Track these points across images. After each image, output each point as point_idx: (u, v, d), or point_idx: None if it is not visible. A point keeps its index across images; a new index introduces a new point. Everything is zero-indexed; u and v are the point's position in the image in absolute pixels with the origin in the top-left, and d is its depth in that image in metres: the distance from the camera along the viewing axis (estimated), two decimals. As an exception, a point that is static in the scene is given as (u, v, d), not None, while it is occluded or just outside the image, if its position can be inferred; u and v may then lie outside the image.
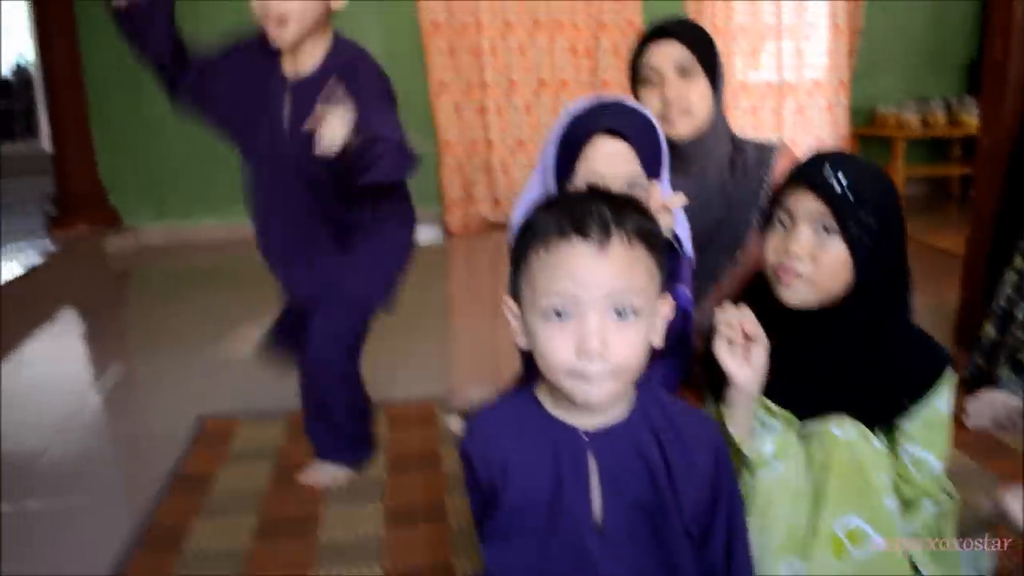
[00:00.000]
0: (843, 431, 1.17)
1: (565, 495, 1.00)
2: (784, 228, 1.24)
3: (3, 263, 3.86)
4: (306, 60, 1.80)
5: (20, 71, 10.54)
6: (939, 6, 5.48)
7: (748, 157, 1.78)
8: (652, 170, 1.37)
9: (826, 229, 1.21)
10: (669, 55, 1.71)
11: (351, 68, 1.78)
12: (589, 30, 4.98)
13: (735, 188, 1.77)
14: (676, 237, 1.36)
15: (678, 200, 1.37)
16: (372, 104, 1.70)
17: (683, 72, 1.71)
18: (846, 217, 1.19)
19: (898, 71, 5.53)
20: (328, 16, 1.80)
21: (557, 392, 1.00)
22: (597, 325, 0.92)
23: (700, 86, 1.72)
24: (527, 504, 1.01)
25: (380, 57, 1.85)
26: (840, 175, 1.20)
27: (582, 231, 0.92)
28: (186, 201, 4.92)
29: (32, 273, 3.76)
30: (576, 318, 0.93)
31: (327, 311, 1.85)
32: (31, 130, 9.88)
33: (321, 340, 1.84)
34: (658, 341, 1.00)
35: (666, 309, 1.00)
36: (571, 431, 1.01)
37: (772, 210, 1.26)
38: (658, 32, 1.75)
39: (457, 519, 1.76)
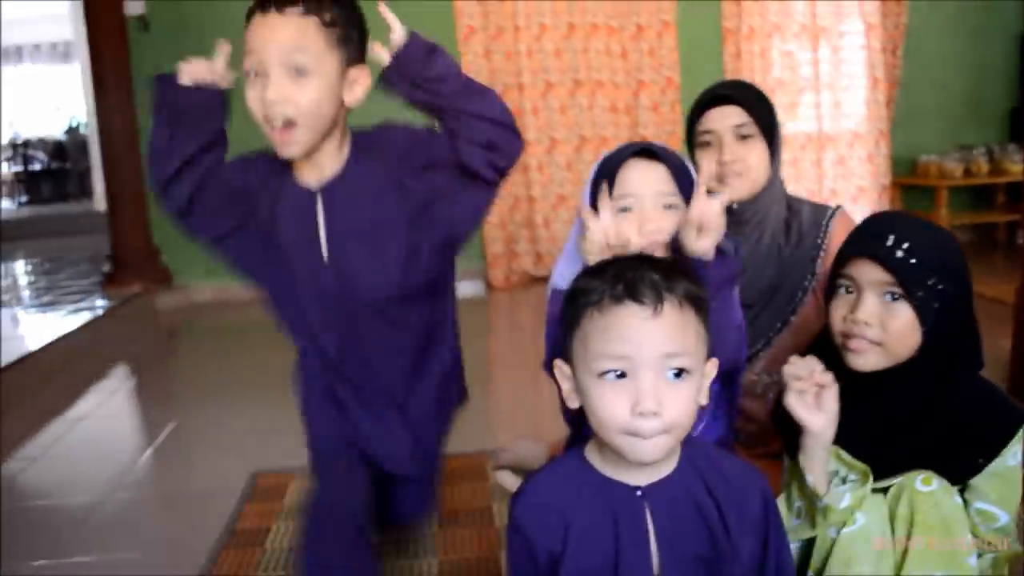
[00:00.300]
0: (928, 486, 1.16)
1: (626, 553, 1.01)
2: (848, 294, 1.24)
3: (60, 319, 3.98)
4: (328, 162, 1.44)
5: (74, 132, 10.92)
6: (978, 54, 5.48)
7: (803, 220, 1.76)
8: (687, 194, 1.36)
9: (892, 296, 1.21)
10: (727, 118, 1.71)
11: (388, 141, 1.47)
12: (628, 88, 5.06)
13: (790, 251, 1.75)
14: (727, 241, 1.35)
15: (717, 204, 1.30)
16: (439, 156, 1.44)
17: (741, 136, 1.71)
18: (911, 284, 1.19)
19: (938, 120, 5.51)
20: (344, 113, 1.43)
21: (608, 451, 1.02)
22: (652, 384, 0.96)
23: (758, 149, 1.72)
24: (591, 569, 1.02)
25: None
26: (903, 242, 1.20)
27: (635, 296, 0.96)
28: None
29: (87, 329, 3.86)
30: (631, 378, 0.96)
31: (426, 479, 1.61)
32: (85, 191, 10.20)
33: (419, 505, 1.66)
34: (704, 400, 1.03)
35: (712, 369, 1.03)
36: (625, 488, 1.03)
37: (835, 277, 1.27)
38: (716, 96, 1.74)
39: (510, 575, 1.75)
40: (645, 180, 1.36)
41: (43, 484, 2.46)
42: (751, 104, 1.73)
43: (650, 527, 1.02)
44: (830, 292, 1.28)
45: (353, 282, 1.43)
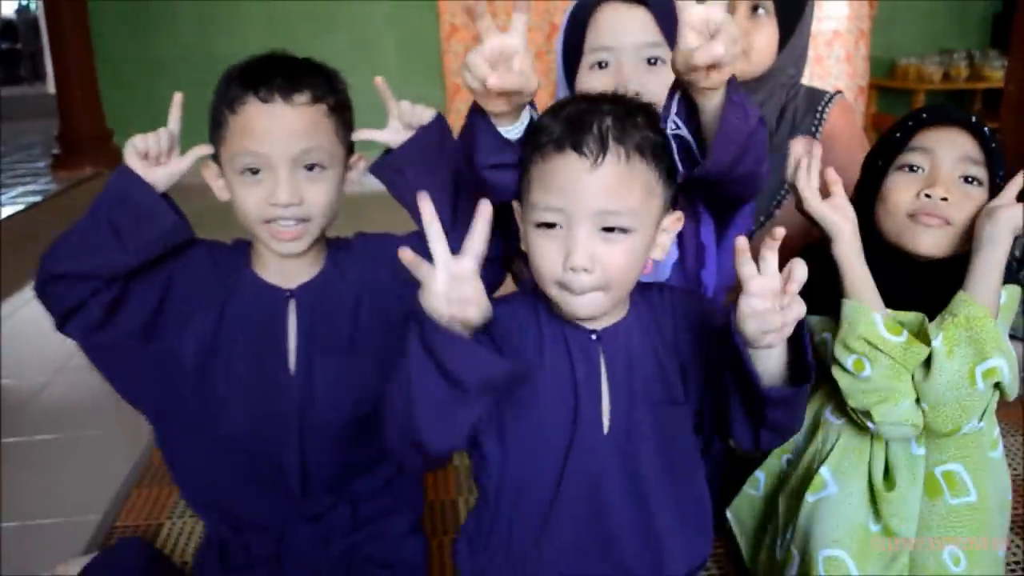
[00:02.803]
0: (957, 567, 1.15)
1: (581, 399, 0.99)
2: (913, 172, 1.16)
3: (4, 202, 3.83)
4: (308, 263, 1.22)
5: (24, 12, 10.42)
6: (965, -45, 5.32)
7: (798, 105, 1.61)
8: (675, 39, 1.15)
9: (966, 179, 1.15)
10: None
11: (366, 248, 1.27)
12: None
13: (780, 141, 1.58)
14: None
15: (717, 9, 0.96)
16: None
17: (754, 9, 1.52)
18: (996, 163, 1.13)
19: (920, 22, 5.39)
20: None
21: None
22: (585, 239, 0.91)
23: (767, 30, 1.53)
24: (553, 411, 0.99)
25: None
26: (983, 124, 1.15)
27: (577, 145, 0.91)
28: (191, 142, 4.87)
29: (33, 211, 3.72)
30: (566, 230, 0.92)
31: None
32: (37, 74, 9.80)
33: None
34: (661, 255, 0.99)
35: (674, 224, 0.98)
36: (582, 332, 1.00)
37: (894, 154, 1.18)
38: None
39: None
40: (623, 28, 1.17)
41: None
42: None
43: (603, 373, 1.00)
44: (879, 174, 1.19)
45: (320, 398, 1.20)
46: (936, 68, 5.08)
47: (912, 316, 1.11)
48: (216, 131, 1.15)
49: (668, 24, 1.12)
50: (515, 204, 1.00)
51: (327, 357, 1.20)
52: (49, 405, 2.12)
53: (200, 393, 1.18)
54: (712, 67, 0.93)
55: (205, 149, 1.17)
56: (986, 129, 1.16)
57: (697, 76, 0.95)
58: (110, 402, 1.22)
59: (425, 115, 1.22)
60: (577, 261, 0.90)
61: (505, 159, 1.00)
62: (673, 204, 0.99)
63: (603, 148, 0.90)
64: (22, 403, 2.13)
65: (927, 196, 1.14)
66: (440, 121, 1.22)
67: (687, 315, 1.03)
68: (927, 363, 1.09)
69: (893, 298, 1.14)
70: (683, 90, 1.01)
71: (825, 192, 1.17)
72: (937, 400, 1.10)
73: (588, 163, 0.90)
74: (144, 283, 1.15)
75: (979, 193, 1.15)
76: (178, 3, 4.84)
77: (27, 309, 2.91)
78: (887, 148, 1.20)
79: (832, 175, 1.16)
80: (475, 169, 1.02)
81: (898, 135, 1.19)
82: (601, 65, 1.18)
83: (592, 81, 1.18)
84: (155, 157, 1.14)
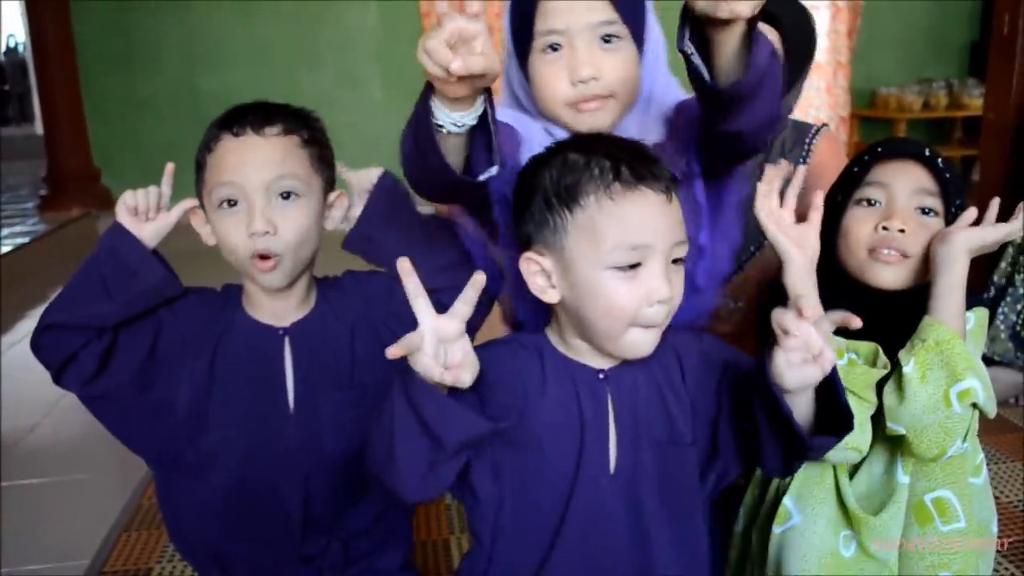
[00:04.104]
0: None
1: (589, 438, 0.97)
2: (872, 207, 1.18)
3: (-7, 243, 3.82)
4: (297, 302, 1.22)
5: (12, 53, 10.46)
6: (941, -14, 5.43)
7: (785, 138, 1.62)
8: (633, 19, 1.11)
9: (923, 210, 1.16)
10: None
11: (357, 286, 1.26)
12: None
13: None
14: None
15: None
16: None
17: None
18: (952, 193, 1.15)
19: (899, 52, 5.48)
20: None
21: (569, 333, 0.98)
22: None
23: None
24: (556, 451, 0.97)
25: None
26: (937, 155, 1.16)
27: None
28: (178, 182, 4.89)
29: (21, 252, 3.71)
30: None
31: None
32: (25, 115, 9.83)
33: None
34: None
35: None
36: (589, 371, 0.98)
37: (851, 189, 1.20)
38: None
39: None
40: (572, 7, 1.08)
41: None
42: (790, 28, 1.49)
43: (610, 413, 0.98)
44: (839, 209, 1.21)
45: (323, 434, 1.20)
46: (916, 97, 5.16)
47: (865, 345, 1.12)
48: (198, 176, 1.18)
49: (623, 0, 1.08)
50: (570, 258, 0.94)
51: (329, 392, 1.21)
52: (38, 448, 2.10)
53: (197, 439, 1.18)
54: None
55: (191, 202, 1.19)
56: (939, 160, 1.18)
57: (709, 3, 0.87)
58: (100, 444, 1.22)
59: (372, 175, 1.25)
60: (664, 293, 0.90)
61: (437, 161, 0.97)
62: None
63: (657, 177, 0.92)
64: (11, 445, 2.11)
65: (884, 229, 1.16)
66: (386, 177, 1.24)
67: (692, 354, 1.02)
68: (900, 389, 1.10)
69: (856, 330, 1.15)
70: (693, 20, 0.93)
71: (802, 218, 1.19)
72: (916, 425, 1.10)
73: (664, 197, 0.92)
74: (134, 333, 1.16)
75: (936, 223, 1.17)
76: (164, 42, 4.87)
77: (16, 351, 2.89)
78: (845, 184, 1.22)
79: (817, 200, 1.17)
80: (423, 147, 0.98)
81: (855, 170, 1.21)
82: (553, 48, 1.10)
83: (545, 65, 1.11)
84: (144, 213, 1.16)
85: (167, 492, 1.25)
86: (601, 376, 0.99)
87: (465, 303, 0.85)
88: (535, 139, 1.14)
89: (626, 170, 0.90)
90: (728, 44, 0.93)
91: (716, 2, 0.87)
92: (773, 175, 1.19)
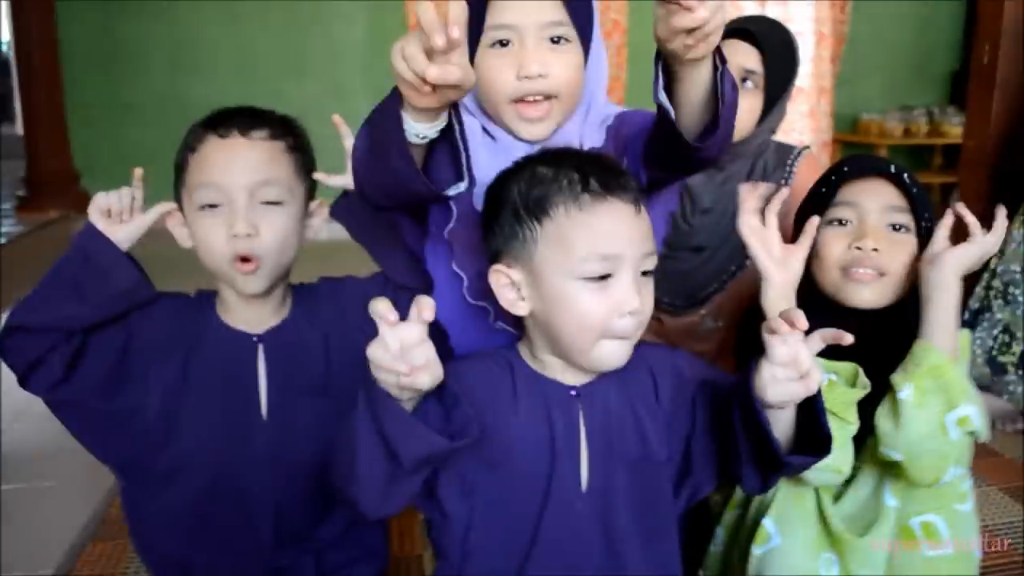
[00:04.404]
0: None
1: (560, 457, 0.96)
2: (843, 227, 1.18)
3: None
4: (273, 309, 1.21)
5: (-5, 53, 10.36)
6: (924, 15, 5.51)
7: (767, 160, 1.62)
8: (581, 23, 1.11)
9: (894, 227, 1.17)
10: (737, 55, 1.50)
11: (334, 292, 1.26)
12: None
13: None
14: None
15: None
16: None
17: (743, 80, 1.51)
18: (921, 208, 1.15)
19: (882, 79, 5.55)
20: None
21: (540, 348, 0.97)
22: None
23: (752, 103, 1.52)
24: (527, 470, 0.96)
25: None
26: (903, 170, 1.17)
27: None
28: (159, 186, 4.85)
29: (-3, 254, 3.67)
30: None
31: None
32: (7, 115, 9.72)
33: None
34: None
35: None
36: (560, 387, 0.98)
37: (823, 209, 1.20)
38: (734, 29, 1.52)
39: None
40: (524, 5, 1.08)
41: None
42: (770, 48, 1.51)
43: (582, 431, 0.97)
44: (822, 225, 1.21)
45: (295, 441, 1.18)
46: (897, 124, 5.22)
47: (844, 365, 1.12)
48: (178, 177, 1.17)
49: (574, 2, 1.09)
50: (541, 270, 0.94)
51: (302, 399, 1.19)
52: (6, 453, 2.06)
53: (166, 446, 1.16)
54: (696, 34, 0.85)
55: (168, 206, 1.17)
56: (906, 175, 1.18)
57: (679, 44, 0.87)
58: (67, 452, 1.19)
59: None
60: (634, 305, 0.91)
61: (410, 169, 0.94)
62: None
63: (623, 186, 0.94)
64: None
65: (858, 248, 1.16)
66: None
67: (666, 370, 1.02)
68: (895, 415, 1.10)
69: (835, 349, 1.15)
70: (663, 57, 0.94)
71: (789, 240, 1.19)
72: (912, 451, 1.10)
73: (632, 210, 0.93)
74: (103, 338, 1.14)
75: (908, 239, 1.17)
76: (149, 46, 4.84)
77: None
78: (815, 204, 1.23)
79: (810, 225, 1.18)
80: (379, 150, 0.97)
81: (823, 190, 1.22)
82: (503, 43, 1.10)
83: (493, 59, 1.11)
84: (118, 214, 1.14)
85: (133, 501, 1.22)
86: (573, 393, 0.98)
87: (423, 314, 0.81)
88: (473, 137, 1.12)
89: (595, 181, 0.91)
90: (698, 81, 0.94)
91: (689, 44, 0.86)
92: (748, 194, 1.19)
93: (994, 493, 1.94)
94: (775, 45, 1.54)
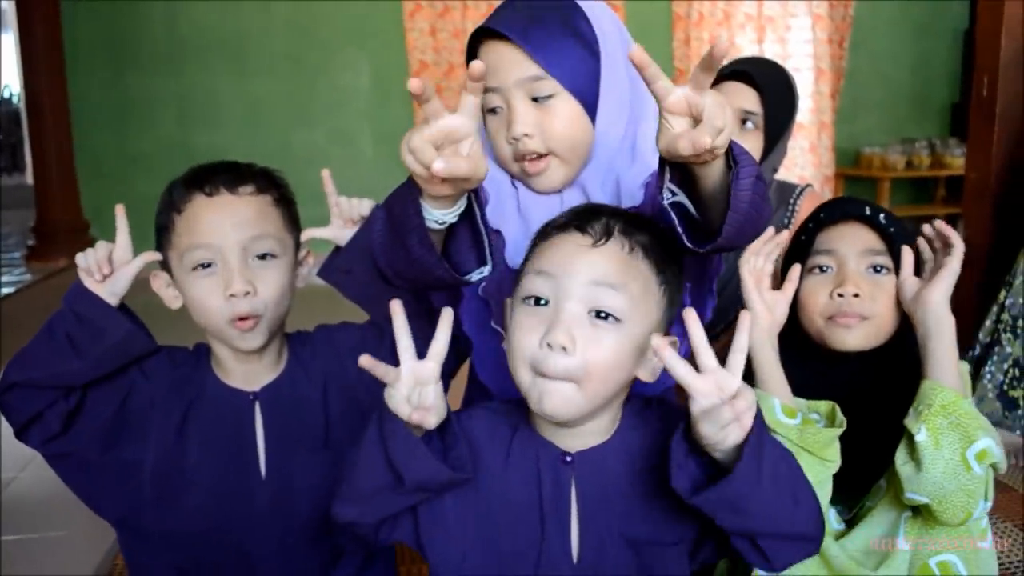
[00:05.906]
0: None
1: (547, 523, 0.92)
2: (824, 273, 1.19)
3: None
4: (269, 364, 1.20)
5: (6, 103, 10.52)
6: (922, 49, 5.56)
7: (770, 199, 1.61)
8: (564, 74, 1.07)
9: (875, 268, 1.17)
10: (737, 99, 1.53)
11: (330, 342, 1.25)
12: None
13: None
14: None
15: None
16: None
17: (742, 120, 1.54)
18: (899, 245, 1.16)
19: (882, 113, 5.58)
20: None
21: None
22: (570, 317, 0.86)
23: (752, 143, 1.54)
24: (517, 531, 0.92)
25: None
26: (879, 211, 1.18)
27: (582, 227, 0.91)
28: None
29: (7, 302, 3.69)
30: (553, 307, 0.88)
31: None
32: (17, 165, 9.84)
33: None
34: (648, 377, 0.92)
35: (666, 346, 0.83)
36: (555, 452, 0.93)
37: (803, 257, 1.21)
38: (735, 72, 1.55)
39: None
40: (497, 67, 1.06)
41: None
42: (768, 88, 1.54)
43: (573, 500, 0.92)
44: (803, 272, 1.21)
45: (297, 498, 1.17)
46: (899, 157, 5.24)
47: (823, 404, 1.12)
48: (163, 237, 1.15)
49: (545, 55, 1.06)
50: (507, 301, 0.95)
51: (301, 456, 1.18)
52: (12, 504, 2.05)
53: (164, 504, 1.15)
54: (702, 156, 0.84)
55: (153, 256, 1.15)
56: (881, 216, 1.19)
57: (685, 157, 0.85)
58: (74, 502, 1.18)
59: (364, 207, 1.23)
60: (558, 337, 0.84)
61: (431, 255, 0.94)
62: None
63: (607, 232, 0.89)
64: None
65: (839, 295, 1.17)
66: (378, 210, 1.23)
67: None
68: (915, 459, 1.09)
69: (821, 389, 1.15)
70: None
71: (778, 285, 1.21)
72: (938, 492, 1.08)
73: (590, 241, 0.89)
74: (103, 393, 1.13)
75: (888, 280, 1.18)
76: (158, 97, 4.91)
77: None
78: (796, 252, 1.24)
79: (792, 274, 1.19)
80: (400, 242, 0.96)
81: (803, 238, 1.23)
82: (494, 111, 1.10)
83: (490, 123, 1.11)
84: (97, 270, 1.10)
85: (134, 560, 1.21)
86: (567, 459, 0.92)
87: (440, 344, 0.84)
88: (502, 189, 1.14)
89: (571, 217, 0.93)
90: (711, 177, 0.90)
91: (682, 142, 0.83)
92: (760, 243, 1.20)
93: (1009, 529, 1.91)
94: (773, 85, 1.56)
